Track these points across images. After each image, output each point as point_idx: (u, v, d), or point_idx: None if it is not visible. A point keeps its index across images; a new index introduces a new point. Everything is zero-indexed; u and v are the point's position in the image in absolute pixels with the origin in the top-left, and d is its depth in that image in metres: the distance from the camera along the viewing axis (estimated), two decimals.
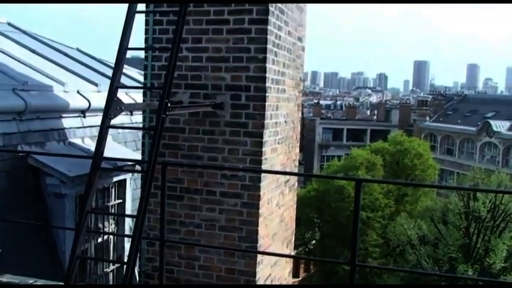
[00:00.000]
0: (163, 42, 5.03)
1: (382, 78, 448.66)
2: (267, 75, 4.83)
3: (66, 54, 8.33)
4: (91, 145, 6.41)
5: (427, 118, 55.08)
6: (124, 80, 7.59)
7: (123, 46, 3.96)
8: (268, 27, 4.79)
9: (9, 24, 8.76)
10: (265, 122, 4.86)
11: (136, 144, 7.42)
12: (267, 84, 4.84)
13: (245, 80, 4.83)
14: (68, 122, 6.47)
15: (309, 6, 6.11)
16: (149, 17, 5.02)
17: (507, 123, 45.71)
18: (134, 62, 9.36)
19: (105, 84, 6.99)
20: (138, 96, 7.08)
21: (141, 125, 6.47)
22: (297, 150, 6.10)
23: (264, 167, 4.89)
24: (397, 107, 67.10)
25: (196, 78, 4.96)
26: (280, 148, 5.36)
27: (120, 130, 7.04)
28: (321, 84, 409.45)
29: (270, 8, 4.80)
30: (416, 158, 34.26)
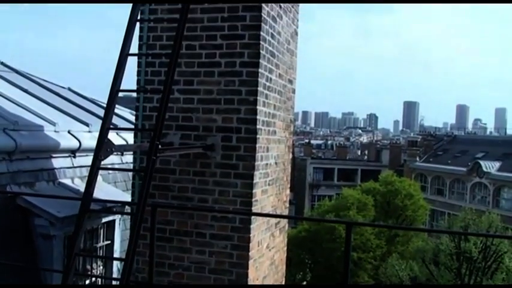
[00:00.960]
0: (155, 83, 5.07)
1: (372, 118, 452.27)
2: (258, 117, 4.86)
3: (57, 94, 8.36)
4: (80, 185, 6.38)
5: (418, 158, 55.31)
6: (115, 120, 7.61)
7: (115, 88, 4.00)
8: (259, 70, 4.85)
9: (1, 63, 8.81)
10: (256, 163, 4.87)
11: (126, 185, 7.39)
12: (258, 126, 4.87)
13: (236, 122, 4.86)
14: (58, 162, 6.44)
15: (301, 49, 6.20)
16: (142, 59, 5.07)
17: (497, 164, 45.95)
18: (126, 100, 9.39)
19: (96, 124, 7.02)
20: (129, 136, 7.08)
21: (131, 165, 6.45)
22: (288, 191, 6.09)
23: (254, 209, 4.87)
24: (387, 147, 67.43)
25: (188, 120, 4.98)
26: (270, 190, 5.36)
27: (110, 170, 7.02)
28: (312, 124, 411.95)
29: (261, 51, 4.87)
30: (407, 198, 34.31)
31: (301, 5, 6.16)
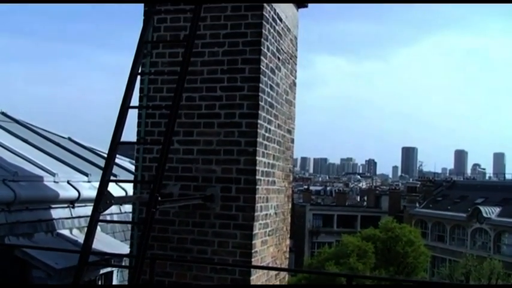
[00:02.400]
0: (155, 134, 5.11)
1: (371, 164, 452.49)
2: (257, 167, 4.88)
3: (58, 144, 8.41)
4: (79, 236, 6.34)
5: (417, 204, 55.09)
6: (115, 169, 7.62)
7: (116, 141, 4.03)
8: (258, 121, 4.90)
9: (2, 113, 8.89)
10: (255, 214, 4.86)
11: (124, 235, 7.35)
12: (257, 177, 4.89)
13: (235, 173, 4.88)
14: (56, 212, 6.43)
15: (299, 94, 6.27)
16: (142, 110, 5.13)
17: (497, 209, 45.76)
18: (126, 147, 9.41)
19: (96, 174, 7.03)
20: (129, 186, 7.08)
21: (130, 215, 6.43)
22: (288, 241, 6.06)
23: (254, 260, 4.84)
24: (386, 193, 67.22)
25: (187, 171, 5.00)
26: (270, 240, 5.33)
27: (108, 219, 7.00)
28: (311, 170, 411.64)
29: (260, 103, 4.93)
30: (408, 245, 34.04)
31: (299, 51, 6.27)
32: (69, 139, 9.29)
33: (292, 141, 6.12)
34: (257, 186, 4.88)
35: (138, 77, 4.48)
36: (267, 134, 5.14)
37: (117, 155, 5.10)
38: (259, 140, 4.93)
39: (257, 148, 4.88)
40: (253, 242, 4.83)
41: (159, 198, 3.87)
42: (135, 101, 4.84)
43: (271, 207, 5.33)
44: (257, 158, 4.88)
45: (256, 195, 4.87)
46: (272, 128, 5.30)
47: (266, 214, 5.16)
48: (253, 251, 4.82)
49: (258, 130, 4.90)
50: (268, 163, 5.21)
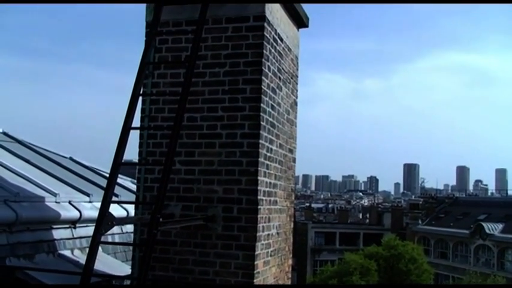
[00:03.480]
0: (156, 155, 5.11)
1: (373, 181, 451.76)
2: (259, 187, 4.88)
3: (59, 164, 8.41)
4: (80, 257, 6.32)
5: (420, 221, 54.92)
6: (117, 189, 7.61)
7: (117, 162, 4.04)
8: (260, 141, 4.90)
9: (4, 133, 8.91)
10: (258, 234, 4.84)
11: (126, 255, 7.32)
12: (259, 197, 4.88)
13: (237, 193, 4.87)
14: (58, 233, 6.41)
15: (300, 112, 6.29)
16: (144, 131, 5.14)
17: (500, 226, 45.62)
18: (128, 166, 9.40)
19: (97, 194, 7.03)
20: (130, 206, 7.08)
21: (132, 235, 6.41)
22: (290, 261, 6.03)
23: (256, 281, 4.81)
24: (389, 210, 67.07)
25: (189, 191, 4.99)
26: (272, 261, 5.30)
27: (110, 239, 6.98)
28: (312, 187, 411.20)
29: (262, 123, 4.94)
30: (411, 262, 33.88)
31: (300, 69, 6.30)
32: (71, 159, 9.30)
33: (294, 160, 6.12)
34: (259, 207, 4.87)
35: (140, 98, 4.50)
36: (268, 154, 5.14)
37: (119, 175, 5.11)
38: (261, 160, 4.93)
39: (259, 168, 4.87)
40: (255, 262, 4.81)
41: (161, 220, 3.86)
42: (136, 121, 4.86)
43: (273, 227, 5.31)
44: (259, 178, 4.88)
45: (258, 216, 4.86)
46: (274, 147, 5.30)
47: (268, 234, 5.14)
48: (255, 271, 4.80)
49: (260, 150, 4.91)
50: (270, 183, 5.21)
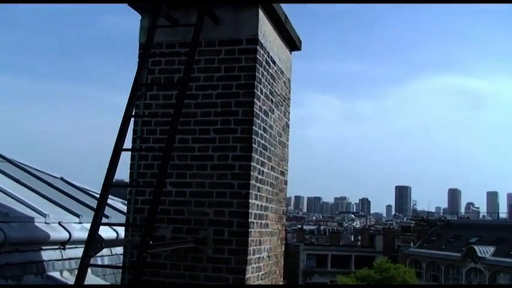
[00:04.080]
0: (147, 176, 5.09)
1: (365, 203, 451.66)
2: (250, 210, 4.86)
3: (50, 184, 8.35)
4: (69, 279, 6.24)
5: (411, 244, 54.83)
6: (107, 210, 7.56)
7: (108, 183, 4.02)
8: (252, 163, 4.90)
9: None
10: (248, 258, 4.81)
11: (115, 277, 7.24)
12: (250, 220, 4.86)
13: (228, 216, 4.84)
14: (47, 254, 6.33)
15: (292, 133, 6.30)
16: (135, 152, 5.12)
17: (491, 249, 45.60)
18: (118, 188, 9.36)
19: (87, 215, 6.97)
20: (120, 228, 7.02)
21: (121, 257, 6.36)
22: (281, 284, 5.98)
23: None
24: (381, 233, 66.97)
25: (179, 213, 4.96)
26: (263, 284, 5.26)
27: (99, 261, 6.91)
28: (304, 209, 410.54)
29: (253, 145, 4.93)
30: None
31: (292, 91, 6.32)
32: (62, 179, 9.25)
33: (286, 183, 6.11)
34: (250, 230, 4.84)
35: (132, 119, 4.50)
36: (260, 177, 5.13)
37: (110, 195, 5.08)
38: (252, 182, 4.92)
39: (250, 191, 4.86)
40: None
41: (151, 242, 3.83)
42: (128, 142, 4.84)
43: (264, 251, 5.28)
44: (250, 200, 4.86)
45: (249, 239, 4.83)
46: (265, 170, 5.29)
47: (259, 257, 5.11)
48: None
49: (251, 172, 4.90)
50: (261, 206, 5.19)
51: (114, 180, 4.21)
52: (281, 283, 6.00)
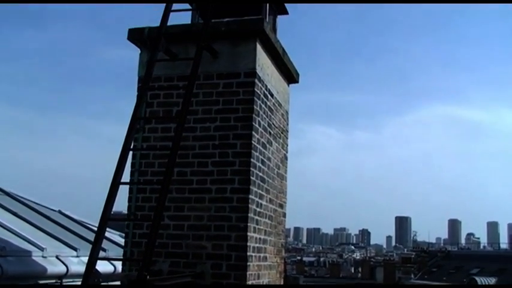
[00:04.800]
0: (145, 210, 5.07)
1: (364, 234, 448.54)
2: (248, 244, 4.83)
3: (48, 217, 8.33)
4: None
5: (412, 275, 54.29)
6: (105, 243, 7.52)
7: (105, 217, 4.01)
8: (250, 196, 4.89)
9: None
10: None
11: None
12: (248, 253, 4.82)
13: (226, 249, 4.81)
14: None
15: (291, 165, 6.30)
16: (133, 186, 5.11)
17: (493, 280, 45.09)
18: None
19: (85, 248, 6.93)
20: (118, 262, 6.96)
21: None
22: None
23: None
24: (381, 264, 66.37)
25: (177, 247, 4.93)
26: (263, 284, 5.19)
27: None
28: (304, 241, 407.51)
29: (252, 178, 4.93)
30: None
31: (290, 121, 6.35)
32: (60, 212, 9.22)
33: (284, 215, 6.09)
34: (248, 263, 4.81)
35: (130, 152, 4.50)
36: (258, 209, 5.11)
37: (107, 228, 5.05)
38: (251, 215, 4.90)
39: (248, 224, 4.84)
40: None
41: (148, 277, 3.80)
42: (126, 175, 4.83)
43: (263, 284, 5.23)
44: (248, 233, 4.84)
45: (248, 272, 4.79)
46: (264, 202, 5.28)
47: None
48: None
49: (250, 205, 4.88)
50: (260, 239, 5.16)
51: (112, 212, 4.19)
52: None
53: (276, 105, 5.78)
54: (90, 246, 4.10)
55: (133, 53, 5.52)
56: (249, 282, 4.81)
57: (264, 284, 5.26)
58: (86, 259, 3.89)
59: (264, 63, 5.34)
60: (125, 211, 5.31)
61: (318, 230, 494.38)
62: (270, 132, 5.52)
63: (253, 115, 5.03)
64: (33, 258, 6.29)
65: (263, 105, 5.30)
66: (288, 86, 6.37)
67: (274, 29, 5.92)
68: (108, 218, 4.01)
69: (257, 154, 5.10)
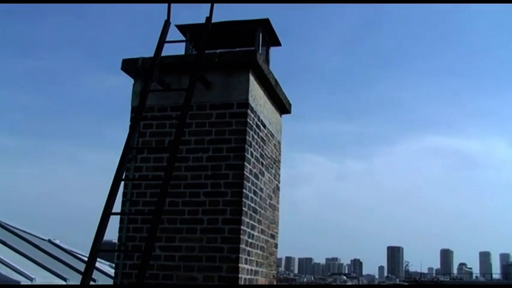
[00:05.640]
0: (136, 240, 5.04)
1: (356, 264, 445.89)
2: (240, 275, 4.79)
3: (37, 247, 8.26)
4: None
5: None
6: (95, 274, 7.45)
7: (95, 248, 3.97)
8: (242, 227, 4.87)
9: None
10: None
11: None
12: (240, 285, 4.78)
13: (217, 281, 4.77)
14: None
15: (282, 197, 6.29)
16: (124, 216, 5.08)
17: None
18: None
19: (74, 278, 6.88)
20: None
21: None
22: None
23: None
24: None
25: (168, 278, 4.88)
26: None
27: None
28: (296, 270, 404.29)
29: (244, 209, 4.92)
30: None
31: (283, 150, 6.36)
32: (49, 241, 9.14)
33: (276, 246, 6.06)
34: None
35: (122, 182, 4.49)
36: (250, 240, 5.09)
37: (97, 258, 5.00)
38: (242, 246, 4.88)
39: (240, 255, 4.81)
40: None
41: None
42: (117, 204, 4.81)
43: None
44: (240, 265, 4.80)
45: None
46: (255, 233, 5.26)
47: None
48: None
49: (241, 236, 4.86)
50: (252, 270, 5.12)
51: (103, 240, 4.16)
52: None
53: (269, 135, 5.80)
54: (80, 276, 4.06)
55: (126, 80, 5.54)
56: None
57: None
58: None
59: (256, 94, 5.38)
60: (115, 240, 5.27)
61: (310, 259, 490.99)
62: (262, 163, 5.53)
63: (246, 146, 5.04)
64: None
65: (255, 136, 5.32)
66: (281, 116, 6.41)
67: (267, 60, 5.98)
68: (98, 250, 3.97)
69: (249, 185, 5.10)
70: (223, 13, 5.69)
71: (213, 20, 5.07)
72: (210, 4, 5.07)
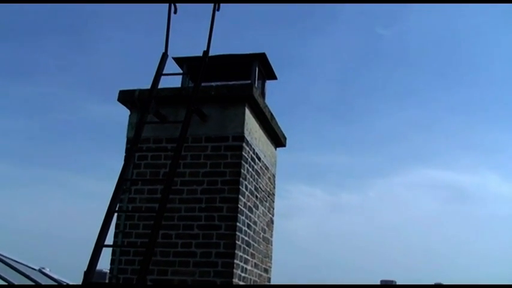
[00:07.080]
0: (128, 273, 4.98)
1: None
2: None
3: (27, 277, 8.14)
4: None
5: None
6: None
7: (87, 280, 3.93)
8: (235, 261, 4.83)
9: None
10: None
11: None
12: None
13: None
14: None
15: (277, 231, 6.26)
16: (117, 248, 5.04)
17: None
18: (97, 277, 9.12)
19: None
20: None
21: None
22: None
23: None
24: None
25: None
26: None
27: None
28: None
29: (237, 242, 4.89)
30: None
31: (277, 184, 6.36)
32: (40, 271, 9.02)
33: (269, 280, 6.01)
34: None
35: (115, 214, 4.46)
36: (243, 274, 5.04)
37: None
38: (235, 280, 4.83)
39: None
40: None
41: None
42: (110, 235, 4.77)
43: None
44: None
45: None
46: (248, 267, 5.22)
47: None
48: None
49: (234, 270, 4.82)
50: None
51: (96, 270, 4.11)
52: None
53: (263, 168, 5.80)
54: None
55: (122, 110, 5.54)
56: None
57: None
58: None
59: (252, 128, 5.39)
60: (106, 269, 5.21)
61: None
62: (256, 196, 5.52)
63: (241, 179, 5.04)
64: None
65: (250, 169, 5.32)
66: (276, 149, 6.42)
67: (263, 94, 6.01)
68: (90, 283, 3.92)
69: (243, 218, 5.08)
70: (220, 44, 5.72)
71: (211, 53, 5.10)
72: (207, 37, 5.10)
